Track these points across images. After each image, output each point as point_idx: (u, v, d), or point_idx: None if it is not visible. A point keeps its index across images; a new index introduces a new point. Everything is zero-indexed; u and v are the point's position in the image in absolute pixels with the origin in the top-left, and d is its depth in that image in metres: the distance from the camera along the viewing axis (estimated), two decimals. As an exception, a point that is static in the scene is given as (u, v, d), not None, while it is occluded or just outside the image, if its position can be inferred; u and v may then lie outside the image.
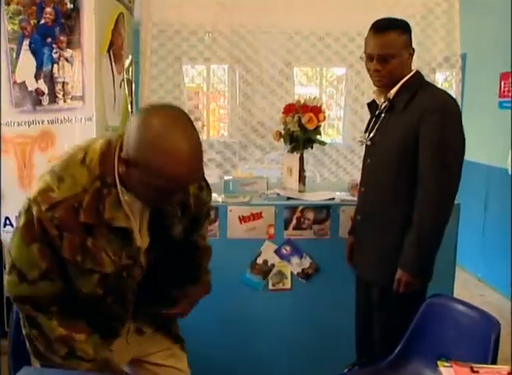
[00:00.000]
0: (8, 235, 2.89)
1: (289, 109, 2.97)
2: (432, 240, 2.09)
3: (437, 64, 3.63)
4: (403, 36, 2.14)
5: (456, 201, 3.00)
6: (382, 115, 2.25)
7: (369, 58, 2.17)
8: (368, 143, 2.29)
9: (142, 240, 1.55)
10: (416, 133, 2.07)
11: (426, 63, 3.63)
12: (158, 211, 1.56)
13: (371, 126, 2.33)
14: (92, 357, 1.52)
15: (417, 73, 2.22)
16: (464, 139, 2.09)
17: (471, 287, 4.79)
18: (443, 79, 5.02)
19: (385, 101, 2.23)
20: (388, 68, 2.13)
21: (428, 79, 3.62)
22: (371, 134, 2.28)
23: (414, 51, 2.20)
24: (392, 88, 2.18)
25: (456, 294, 2.81)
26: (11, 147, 2.79)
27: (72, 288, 1.48)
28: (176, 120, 1.38)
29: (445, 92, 2.20)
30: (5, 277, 1.51)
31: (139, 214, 1.53)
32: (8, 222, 2.85)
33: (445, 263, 2.81)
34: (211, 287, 1.94)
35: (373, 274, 2.27)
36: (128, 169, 1.38)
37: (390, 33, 2.11)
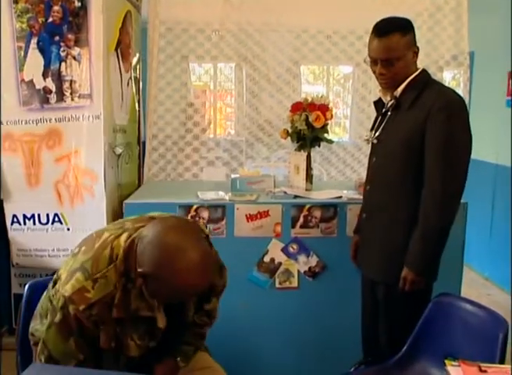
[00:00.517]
0: (15, 233, 2.91)
1: (297, 107, 2.96)
2: (438, 238, 2.07)
3: (445, 62, 3.63)
4: (406, 36, 2.09)
5: (463, 201, 3.01)
6: (389, 113, 2.23)
7: (373, 61, 2.15)
8: (374, 141, 2.28)
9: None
10: (422, 131, 2.05)
11: (434, 61, 3.62)
12: None
13: (377, 124, 2.31)
14: None
15: (424, 71, 2.19)
16: (470, 137, 2.07)
17: (478, 286, 4.77)
18: (451, 77, 5.00)
19: (391, 100, 2.21)
20: (393, 71, 2.10)
21: (435, 77, 3.64)
22: (377, 133, 2.26)
23: (418, 48, 2.16)
24: (398, 87, 2.16)
25: (463, 294, 2.80)
26: (19, 145, 2.80)
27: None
28: (185, 236, 1.51)
29: (452, 90, 2.17)
30: (38, 354, 1.59)
31: None
32: (15, 219, 2.86)
33: (452, 262, 2.80)
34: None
35: (378, 273, 2.27)
36: (145, 281, 1.50)
37: (393, 36, 2.07)
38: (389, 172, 2.19)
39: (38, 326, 1.68)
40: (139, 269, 1.48)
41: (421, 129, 2.05)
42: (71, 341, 1.53)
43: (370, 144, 2.34)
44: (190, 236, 1.52)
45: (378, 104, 2.34)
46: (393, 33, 2.07)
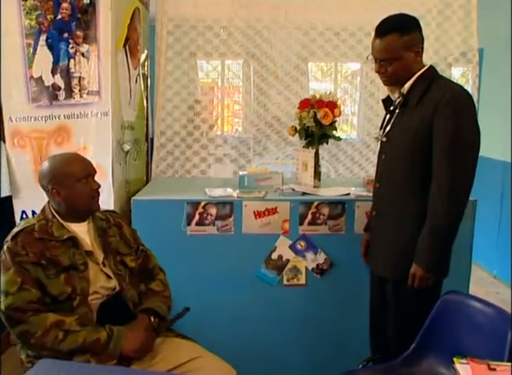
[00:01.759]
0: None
1: (305, 104, 2.95)
2: (446, 235, 2.06)
3: (453, 59, 3.61)
4: (405, 37, 2.08)
5: (472, 198, 3.00)
6: (397, 110, 2.23)
7: (375, 59, 2.16)
8: (384, 139, 2.27)
9: (97, 255, 2.02)
10: (430, 126, 2.04)
11: (442, 58, 3.61)
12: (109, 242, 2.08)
13: (385, 122, 2.31)
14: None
15: (431, 67, 2.17)
16: (478, 132, 2.05)
17: (486, 284, 4.75)
18: (460, 74, 4.98)
19: (399, 97, 2.21)
20: (391, 70, 2.12)
21: (444, 74, 3.62)
22: (386, 130, 2.26)
23: (422, 48, 2.14)
24: (404, 84, 2.16)
25: (471, 292, 2.79)
26: (27, 141, 2.81)
27: (46, 294, 1.85)
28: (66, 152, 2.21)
29: (459, 85, 2.14)
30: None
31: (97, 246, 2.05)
32: (24, 216, 2.87)
33: (460, 260, 2.78)
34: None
35: (388, 269, 2.26)
36: (60, 193, 1.97)
37: (390, 37, 2.08)
38: (397, 170, 2.19)
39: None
40: (46, 186, 1.98)
41: (429, 124, 2.04)
42: (10, 271, 1.84)
43: (379, 142, 2.33)
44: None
45: (387, 102, 2.33)
46: (391, 33, 2.07)
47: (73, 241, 1.96)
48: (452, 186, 2.00)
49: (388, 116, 2.31)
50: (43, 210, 2.05)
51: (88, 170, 2.05)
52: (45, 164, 2.04)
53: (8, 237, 1.92)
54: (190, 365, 1.96)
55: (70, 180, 1.98)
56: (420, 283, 2.07)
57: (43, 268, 1.86)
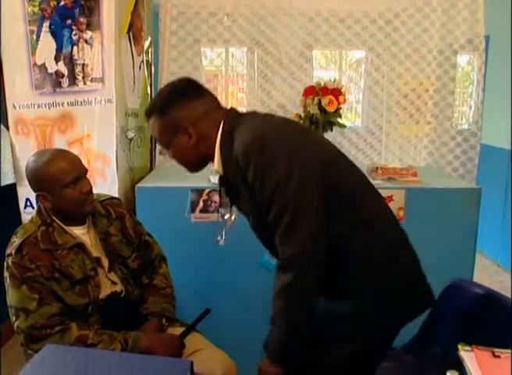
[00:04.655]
0: (28, 217, 2.92)
1: (309, 92, 2.94)
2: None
3: (459, 46, 3.58)
4: (162, 120, 1.65)
5: (476, 186, 2.99)
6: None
7: None
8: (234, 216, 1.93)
9: (104, 262, 1.97)
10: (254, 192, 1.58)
11: (448, 45, 3.58)
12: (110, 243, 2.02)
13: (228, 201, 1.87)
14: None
15: (224, 129, 1.63)
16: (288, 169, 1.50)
17: (490, 272, 4.75)
18: (466, 62, 4.94)
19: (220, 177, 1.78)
20: (172, 156, 1.73)
21: (449, 61, 3.61)
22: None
23: (193, 128, 1.63)
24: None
25: (475, 280, 2.79)
26: (31, 129, 2.81)
27: (65, 306, 1.82)
28: (51, 150, 2.03)
29: (249, 128, 1.59)
30: (15, 325, 1.80)
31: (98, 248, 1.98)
32: (28, 203, 2.87)
33: (465, 249, 2.80)
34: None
35: None
36: (48, 199, 1.86)
37: (150, 120, 1.70)
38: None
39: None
40: (38, 194, 1.87)
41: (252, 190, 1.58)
42: (23, 288, 1.77)
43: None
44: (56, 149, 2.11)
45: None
46: (149, 117, 1.71)
47: (81, 248, 1.90)
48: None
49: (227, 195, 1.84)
50: (39, 212, 1.93)
51: (76, 173, 1.88)
52: (29, 165, 1.89)
53: (11, 250, 1.81)
54: (193, 357, 1.94)
55: (56, 187, 1.84)
56: None
57: (57, 281, 1.82)
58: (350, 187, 1.63)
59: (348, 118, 5.02)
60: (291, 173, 1.49)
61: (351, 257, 1.59)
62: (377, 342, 1.64)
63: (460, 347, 1.43)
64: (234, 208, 1.88)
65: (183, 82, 1.72)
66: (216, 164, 1.67)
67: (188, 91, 1.67)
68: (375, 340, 1.62)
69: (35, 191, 1.89)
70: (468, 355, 1.40)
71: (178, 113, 1.63)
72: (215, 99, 1.72)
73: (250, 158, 1.51)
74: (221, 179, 1.79)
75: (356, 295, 1.61)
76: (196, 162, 1.73)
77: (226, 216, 1.98)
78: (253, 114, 1.73)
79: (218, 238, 2.25)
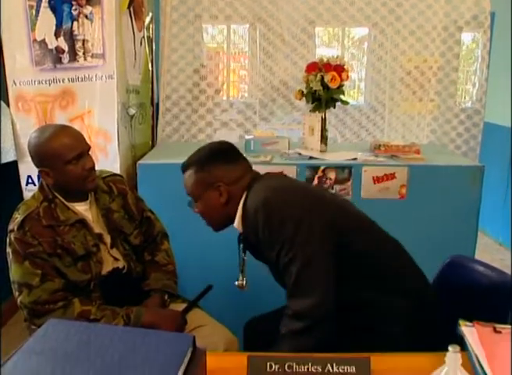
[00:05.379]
0: (30, 194, 2.92)
1: (312, 68, 2.91)
2: None
3: (464, 22, 3.55)
4: (199, 173, 1.78)
5: (479, 164, 2.98)
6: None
7: None
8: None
9: (106, 238, 1.97)
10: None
11: (453, 21, 3.55)
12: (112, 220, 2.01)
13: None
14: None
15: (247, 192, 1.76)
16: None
17: (491, 251, 4.76)
18: (470, 39, 4.89)
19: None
20: (199, 210, 1.84)
21: (454, 38, 3.57)
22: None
23: (224, 184, 1.75)
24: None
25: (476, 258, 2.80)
26: (32, 105, 2.79)
27: (68, 281, 1.82)
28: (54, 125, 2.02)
29: (260, 190, 1.73)
30: (18, 300, 1.81)
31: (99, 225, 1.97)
32: (30, 180, 2.87)
33: (467, 226, 2.79)
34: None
35: None
36: (50, 175, 1.84)
37: (186, 172, 1.82)
38: None
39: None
40: (40, 170, 1.85)
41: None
42: (25, 263, 1.77)
43: None
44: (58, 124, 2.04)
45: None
46: (188, 169, 1.82)
47: (83, 224, 1.90)
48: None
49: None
50: (41, 188, 1.91)
51: (79, 149, 1.86)
52: (31, 140, 1.87)
53: (13, 226, 1.80)
54: (195, 332, 1.94)
55: (59, 163, 1.82)
56: None
57: (59, 257, 1.82)
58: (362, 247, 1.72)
59: (351, 95, 4.99)
60: (296, 235, 1.61)
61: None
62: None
63: (461, 322, 1.43)
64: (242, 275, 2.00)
65: (224, 145, 1.88)
66: (236, 223, 1.79)
67: (228, 154, 1.83)
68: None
69: (37, 166, 1.87)
70: (469, 331, 1.40)
71: (215, 171, 1.77)
72: (249, 165, 1.87)
73: (258, 221, 1.64)
74: (240, 237, 1.91)
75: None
76: (220, 219, 1.83)
77: (237, 283, 2.02)
78: (267, 178, 1.85)
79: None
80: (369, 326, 1.69)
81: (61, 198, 1.90)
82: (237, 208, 1.77)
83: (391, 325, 1.68)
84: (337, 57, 2.99)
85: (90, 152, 1.95)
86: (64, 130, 1.90)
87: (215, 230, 1.89)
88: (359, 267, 1.69)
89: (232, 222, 1.81)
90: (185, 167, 1.84)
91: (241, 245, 1.93)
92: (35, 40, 2.73)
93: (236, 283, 2.01)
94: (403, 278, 1.77)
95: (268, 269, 1.88)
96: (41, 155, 1.84)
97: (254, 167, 2.68)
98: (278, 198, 1.68)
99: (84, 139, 1.94)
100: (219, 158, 1.80)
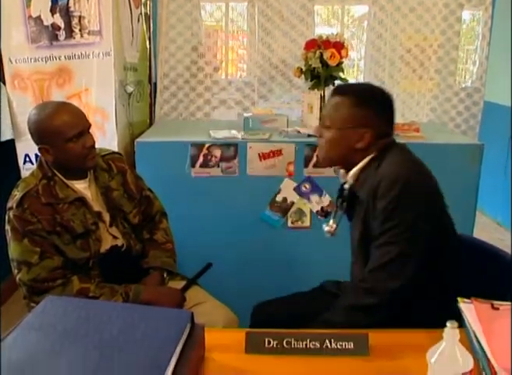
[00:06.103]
0: (28, 172, 2.91)
1: (311, 45, 2.89)
2: None
3: (465, -1, 3.50)
4: (355, 108, 1.66)
5: (479, 142, 2.97)
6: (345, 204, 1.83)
7: None
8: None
9: (105, 216, 1.96)
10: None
11: (453, -2, 3.50)
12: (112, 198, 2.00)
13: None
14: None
15: (377, 152, 1.68)
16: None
17: (490, 230, 4.76)
18: (471, 17, 4.83)
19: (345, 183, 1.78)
20: (320, 142, 1.74)
21: (454, 15, 3.53)
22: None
23: (369, 139, 1.66)
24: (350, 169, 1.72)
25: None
26: (28, 83, 2.77)
27: (67, 259, 1.83)
28: (54, 102, 1.96)
29: (404, 162, 1.68)
30: (17, 277, 1.82)
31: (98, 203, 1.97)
32: (27, 159, 2.86)
33: (465, 206, 2.79)
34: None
35: None
36: (50, 152, 1.83)
37: (339, 97, 1.69)
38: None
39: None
40: (40, 147, 1.84)
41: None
42: (24, 241, 1.77)
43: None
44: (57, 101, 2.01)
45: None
46: (344, 94, 1.69)
47: (82, 202, 1.89)
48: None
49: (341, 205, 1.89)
50: (40, 165, 1.90)
51: (80, 126, 1.84)
52: (31, 117, 1.85)
53: (12, 204, 1.80)
54: (194, 309, 1.95)
55: (59, 140, 1.81)
56: None
57: (58, 235, 1.82)
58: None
59: (350, 74, 4.95)
60: (412, 226, 1.57)
61: None
62: None
63: (459, 299, 1.44)
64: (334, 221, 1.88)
65: (390, 98, 1.73)
66: (351, 174, 1.70)
67: (390, 108, 1.72)
68: None
69: (37, 144, 1.85)
70: (467, 307, 1.41)
71: (372, 117, 1.66)
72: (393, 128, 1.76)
73: (390, 193, 1.56)
74: (344, 189, 1.79)
75: None
76: (338, 159, 1.73)
77: (326, 228, 1.90)
78: (402, 147, 1.74)
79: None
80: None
81: (60, 176, 1.89)
82: (361, 160, 1.67)
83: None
84: (337, 34, 2.96)
85: (90, 130, 1.94)
86: (65, 107, 1.89)
87: (321, 165, 1.88)
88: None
89: (344, 167, 1.74)
90: (342, 91, 1.70)
91: (340, 199, 1.84)
92: (30, 16, 2.69)
93: (326, 228, 1.89)
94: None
95: (350, 228, 1.85)
96: (41, 132, 1.83)
97: (253, 145, 2.69)
98: (418, 188, 1.61)
99: (85, 116, 1.92)
100: (382, 106, 1.70)
